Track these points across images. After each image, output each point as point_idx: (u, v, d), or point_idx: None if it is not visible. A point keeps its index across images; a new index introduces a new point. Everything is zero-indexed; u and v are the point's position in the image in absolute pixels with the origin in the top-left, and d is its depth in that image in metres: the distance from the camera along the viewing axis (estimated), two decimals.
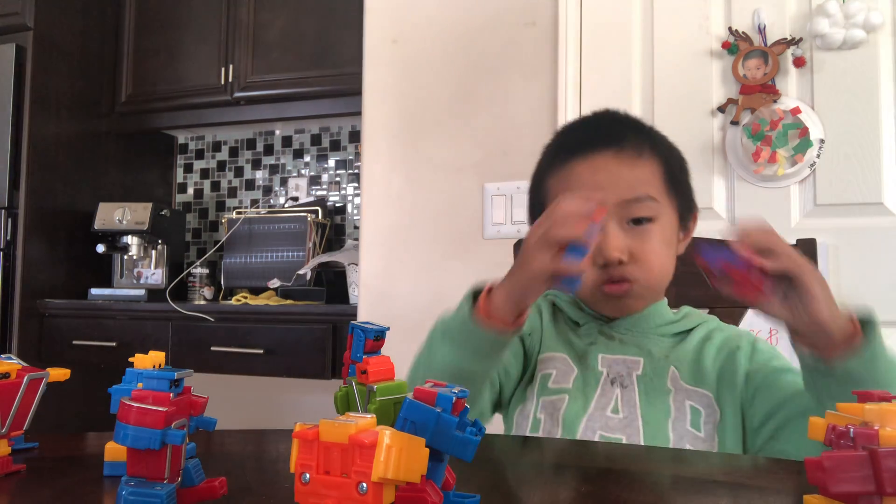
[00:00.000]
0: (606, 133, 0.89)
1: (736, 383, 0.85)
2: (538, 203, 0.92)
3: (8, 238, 2.47)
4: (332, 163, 2.94)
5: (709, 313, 1.08)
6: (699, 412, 0.84)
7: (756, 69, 1.66)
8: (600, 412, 0.83)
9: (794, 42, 1.64)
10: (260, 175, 3.06)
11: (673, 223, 0.88)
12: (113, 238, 2.70)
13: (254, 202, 3.04)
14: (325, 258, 2.51)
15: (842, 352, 0.68)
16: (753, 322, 1.56)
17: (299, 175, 2.99)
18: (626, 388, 0.85)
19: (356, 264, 2.19)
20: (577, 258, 0.68)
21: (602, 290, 0.85)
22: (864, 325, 0.69)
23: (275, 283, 2.58)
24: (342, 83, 2.46)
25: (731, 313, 1.07)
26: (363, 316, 1.94)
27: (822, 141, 1.61)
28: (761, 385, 0.83)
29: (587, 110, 1.81)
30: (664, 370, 0.86)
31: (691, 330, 0.91)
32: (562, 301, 0.95)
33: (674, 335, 0.90)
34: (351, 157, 2.91)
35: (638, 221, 0.84)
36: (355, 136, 2.88)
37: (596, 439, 0.81)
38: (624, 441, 0.81)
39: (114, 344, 2.48)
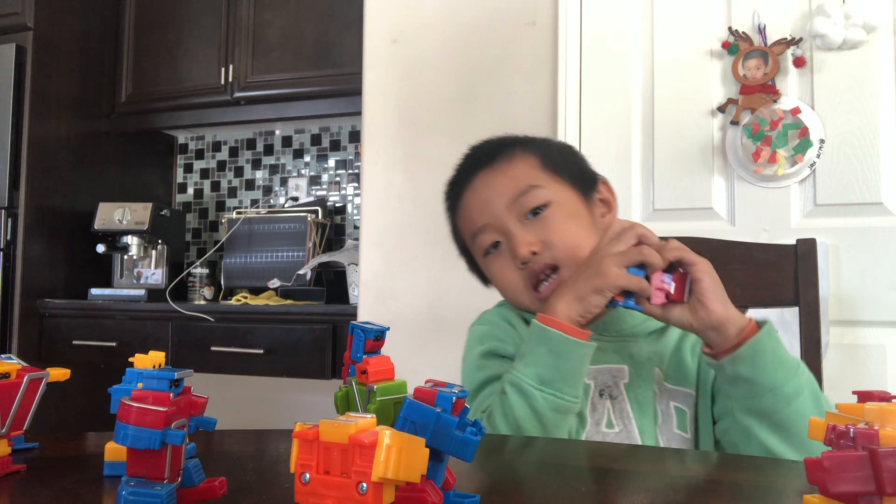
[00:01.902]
0: (478, 158, 0.94)
1: (708, 378, 0.85)
2: (461, 246, 0.98)
3: (8, 238, 2.47)
4: (332, 163, 2.94)
5: None
6: (684, 412, 0.84)
7: (756, 69, 1.66)
8: (595, 428, 0.82)
9: (794, 42, 1.64)
10: (260, 175, 3.06)
11: (572, 199, 0.89)
12: (113, 238, 2.70)
13: (254, 202, 3.04)
14: (325, 258, 2.51)
15: (732, 351, 0.73)
16: None
17: (299, 175, 2.99)
18: (616, 399, 0.83)
19: (356, 264, 2.19)
20: (640, 275, 0.75)
21: (539, 298, 0.85)
22: (761, 330, 0.74)
23: (275, 283, 2.58)
24: (342, 83, 2.46)
25: None
26: (363, 316, 1.94)
27: (822, 141, 1.61)
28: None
29: (587, 110, 1.82)
30: (649, 374, 0.85)
31: (666, 326, 0.89)
32: (525, 313, 0.95)
33: (650, 333, 0.89)
34: (351, 157, 2.91)
35: (536, 213, 0.86)
36: (355, 136, 2.88)
37: None
38: None
39: (114, 344, 2.48)
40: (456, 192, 0.94)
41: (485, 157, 0.92)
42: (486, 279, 0.97)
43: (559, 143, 0.96)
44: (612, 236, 0.77)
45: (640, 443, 0.81)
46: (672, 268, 0.75)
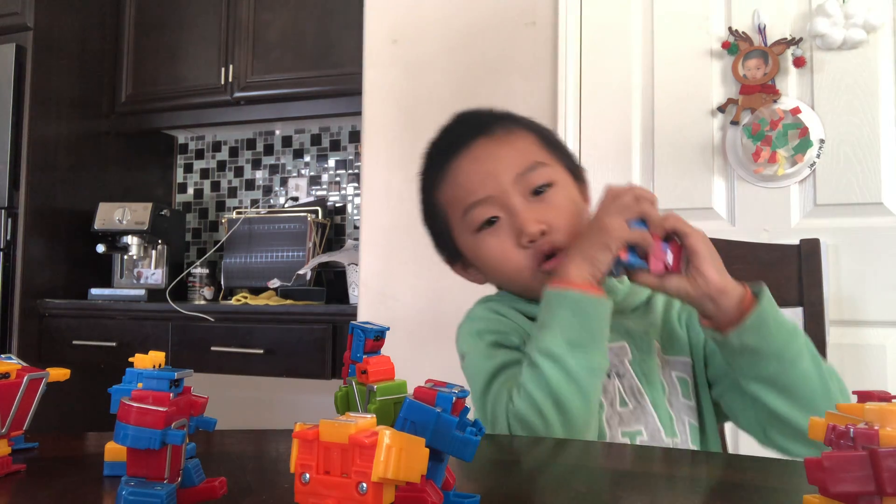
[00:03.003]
0: (472, 125, 0.89)
1: (699, 344, 0.86)
2: (439, 223, 0.91)
3: (8, 238, 2.47)
4: (332, 163, 2.94)
5: None
6: (686, 381, 0.84)
7: (756, 69, 1.66)
8: (610, 408, 0.81)
9: (794, 42, 1.64)
10: (260, 175, 3.06)
11: (570, 182, 0.87)
12: (113, 238, 2.70)
13: (254, 202, 3.04)
14: (325, 258, 2.51)
15: (736, 323, 0.73)
16: None
17: (299, 175, 2.99)
18: (623, 376, 0.82)
19: (356, 264, 2.19)
20: (642, 229, 0.75)
21: (542, 271, 0.82)
22: (756, 296, 0.74)
23: (275, 283, 2.58)
24: (342, 83, 2.46)
25: None
26: (363, 316, 1.94)
27: (822, 141, 1.61)
28: (714, 348, 0.84)
29: (587, 110, 1.81)
30: (650, 346, 0.84)
31: (650, 298, 0.88)
32: (515, 300, 0.90)
33: (635, 308, 0.88)
34: (351, 157, 2.91)
35: (539, 192, 0.83)
36: (355, 136, 2.88)
37: (619, 437, 0.80)
38: (644, 432, 0.80)
39: (114, 344, 2.48)
40: (445, 157, 0.88)
41: (481, 125, 0.87)
42: (454, 257, 0.92)
43: (547, 127, 0.93)
44: (610, 197, 0.77)
45: (654, 416, 0.81)
46: (669, 240, 0.76)
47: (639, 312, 0.88)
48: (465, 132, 0.88)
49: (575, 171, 0.90)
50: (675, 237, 0.75)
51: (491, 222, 0.84)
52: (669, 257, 0.75)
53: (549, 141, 0.89)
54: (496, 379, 0.81)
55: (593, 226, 0.77)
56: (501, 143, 0.85)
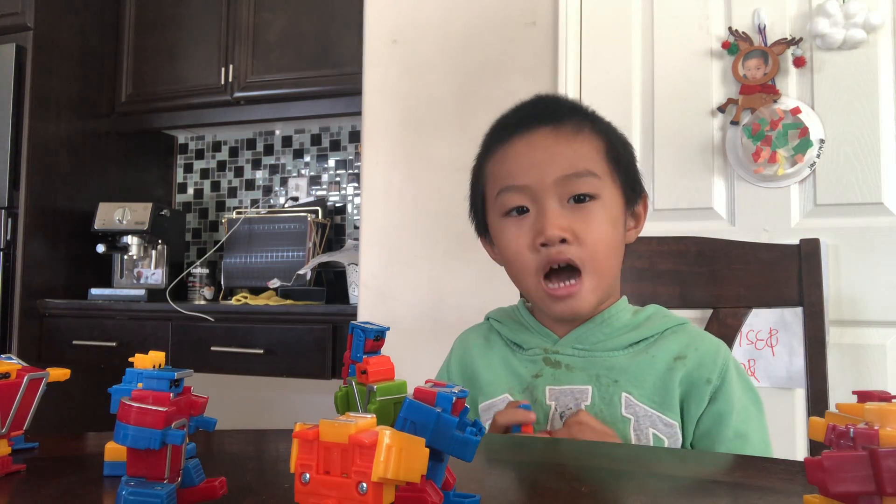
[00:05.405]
0: (544, 111, 0.86)
1: (692, 416, 0.79)
2: (479, 192, 0.90)
3: (8, 238, 2.47)
4: (332, 163, 2.94)
5: (712, 314, 1.08)
6: (662, 442, 0.77)
7: (756, 69, 1.66)
8: None
9: (794, 42, 1.64)
10: (260, 175, 3.06)
11: (618, 203, 0.84)
12: (113, 238, 2.70)
13: (254, 202, 3.04)
14: (325, 258, 2.51)
15: None
16: (753, 323, 1.56)
17: (299, 175, 2.99)
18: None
19: (356, 264, 2.19)
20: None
21: (548, 293, 0.80)
22: None
23: (275, 283, 2.58)
24: (342, 83, 2.46)
25: (736, 313, 1.07)
26: (363, 316, 1.94)
27: (822, 141, 1.61)
28: (703, 435, 0.79)
29: None
30: (614, 397, 0.79)
31: (658, 338, 0.83)
32: (502, 324, 0.90)
33: (631, 345, 0.82)
34: (351, 157, 2.91)
35: (580, 200, 0.80)
36: (355, 136, 2.88)
37: None
38: None
39: (114, 344, 2.48)
40: (504, 134, 0.86)
41: (553, 114, 0.85)
42: (482, 231, 0.91)
43: (623, 137, 0.89)
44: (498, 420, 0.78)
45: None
46: None
47: (629, 352, 0.82)
48: (534, 115, 0.85)
49: (630, 192, 0.86)
50: None
51: (521, 211, 0.82)
52: None
53: (615, 152, 0.85)
54: None
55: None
56: (562, 138, 0.83)
